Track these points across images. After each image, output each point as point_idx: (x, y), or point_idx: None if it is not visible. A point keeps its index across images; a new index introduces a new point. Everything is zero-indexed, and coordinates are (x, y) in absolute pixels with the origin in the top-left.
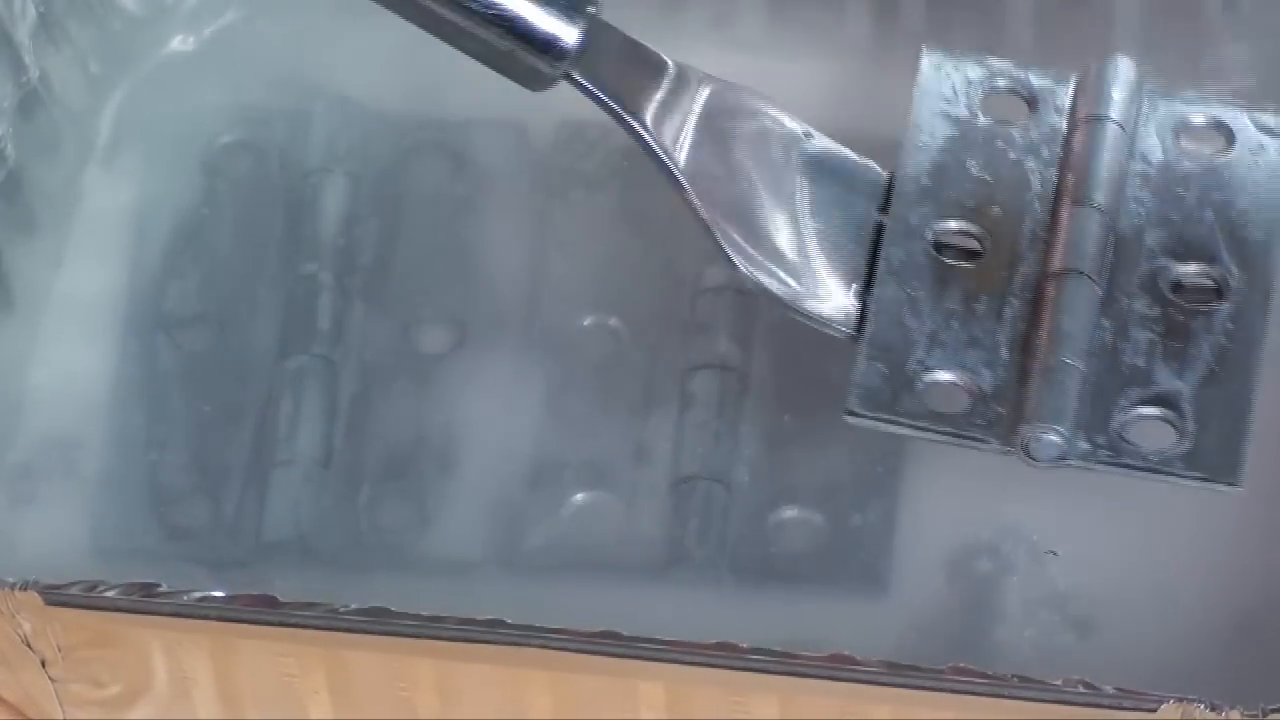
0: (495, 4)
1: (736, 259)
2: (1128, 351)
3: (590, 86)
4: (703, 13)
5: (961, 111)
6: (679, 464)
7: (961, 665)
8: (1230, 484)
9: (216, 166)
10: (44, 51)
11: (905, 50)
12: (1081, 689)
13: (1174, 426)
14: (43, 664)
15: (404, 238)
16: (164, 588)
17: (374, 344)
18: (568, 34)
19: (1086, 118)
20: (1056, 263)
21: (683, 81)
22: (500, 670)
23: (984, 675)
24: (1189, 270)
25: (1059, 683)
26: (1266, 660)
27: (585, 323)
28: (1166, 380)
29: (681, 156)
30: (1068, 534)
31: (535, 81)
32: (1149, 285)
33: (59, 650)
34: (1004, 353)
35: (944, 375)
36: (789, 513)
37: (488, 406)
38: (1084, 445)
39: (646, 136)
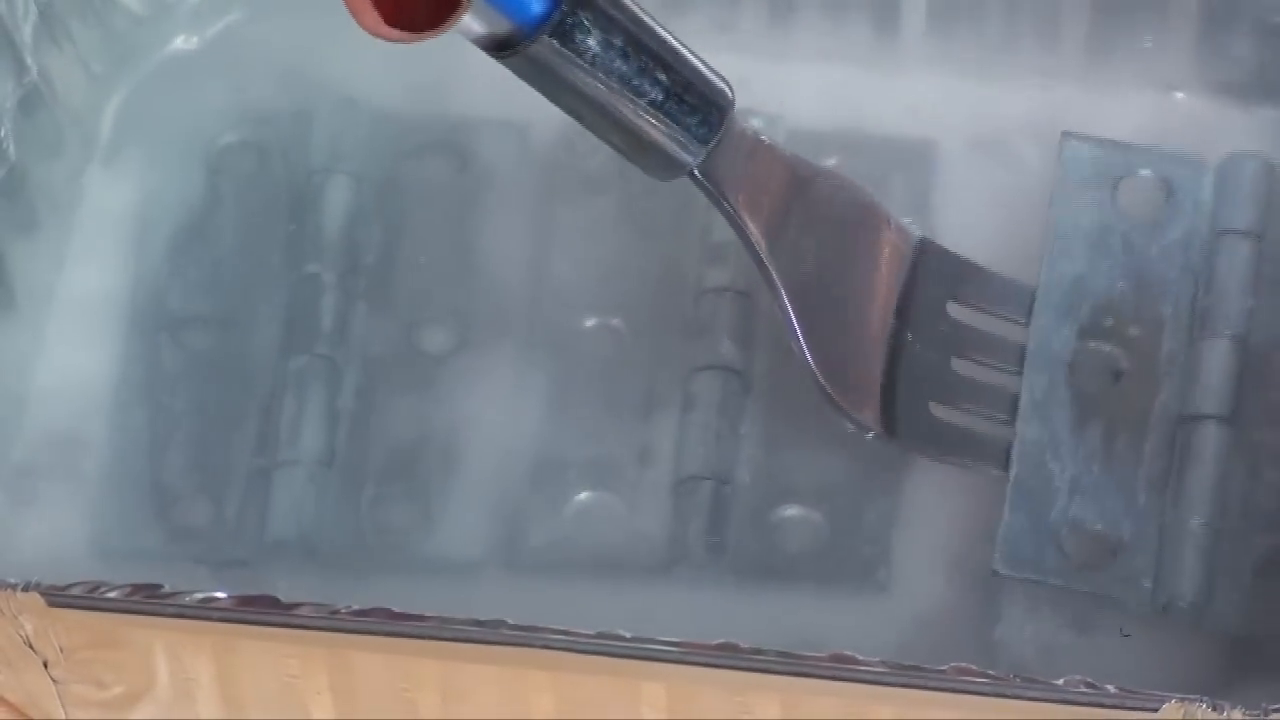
0: (651, 96)
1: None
2: (1258, 493)
3: (711, 187)
4: (705, 17)
5: (1102, 202)
6: (681, 464)
7: (963, 665)
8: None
9: (219, 166)
10: (46, 51)
11: (905, 54)
12: (1084, 688)
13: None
14: (45, 665)
15: (407, 238)
16: (166, 589)
17: (377, 344)
18: (705, 130)
19: (1224, 231)
20: (1193, 405)
21: (801, 185)
22: (502, 671)
23: (986, 675)
24: None
25: (1061, 682)
26: (1268, 660)
27: (588, 323)
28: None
29: (787, 265)
30: None
31: (666, 172)
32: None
33: (61, 651)
34: (1142, 498)
35: (1088, 526)
36: (790, 512)
37: (490, 406)
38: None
39: (759, 247)
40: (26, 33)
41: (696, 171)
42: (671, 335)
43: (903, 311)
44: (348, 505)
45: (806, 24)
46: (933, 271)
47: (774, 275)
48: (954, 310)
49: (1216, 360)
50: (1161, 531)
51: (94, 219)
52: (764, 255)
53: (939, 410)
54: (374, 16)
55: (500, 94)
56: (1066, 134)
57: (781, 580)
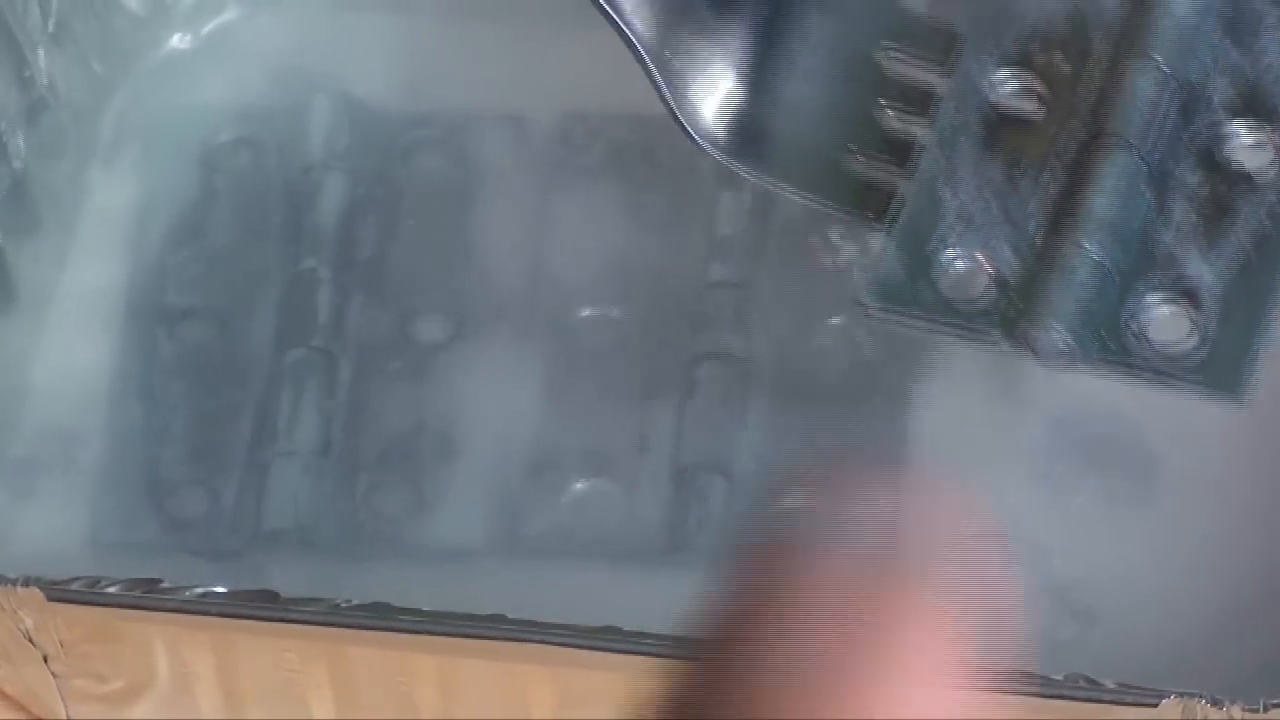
0: None
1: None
2: (1162, 231)
3: None
4: None
5: None
6: (680, 453)
7: None
8: (1235, 399)
9: (215, 163)
10: (49, 51)
11: None
12: (1083, 684)
13: (1192, 323)
14: (45, 659)
15: (403, 230)
16: (166, 584)
17: (372, 336)
18: None
19: None
20: (1102, 126)
21: None
22: (501, 665)
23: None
24: (1243, 131)
25: (1060, 678)
26: (1269, 655)
27: (585, 314)
28: (1195, 267)
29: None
30: (1068, 527)
31: None
32: (1203, 149)
33: (61, 646)
34: (1033, 232)
35: (965, 257)
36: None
37: (486, 396)
38: (1094, 344)
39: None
40: (30, 33)
41: None
42: (670, 325)
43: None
44: (344, 495)
45: None
46: (853, 19)
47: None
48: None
49: (1137, 80)
50: (1047, 266)
51: (95, 217)
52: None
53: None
54: None
55: (496, 87)
56: None
57: None
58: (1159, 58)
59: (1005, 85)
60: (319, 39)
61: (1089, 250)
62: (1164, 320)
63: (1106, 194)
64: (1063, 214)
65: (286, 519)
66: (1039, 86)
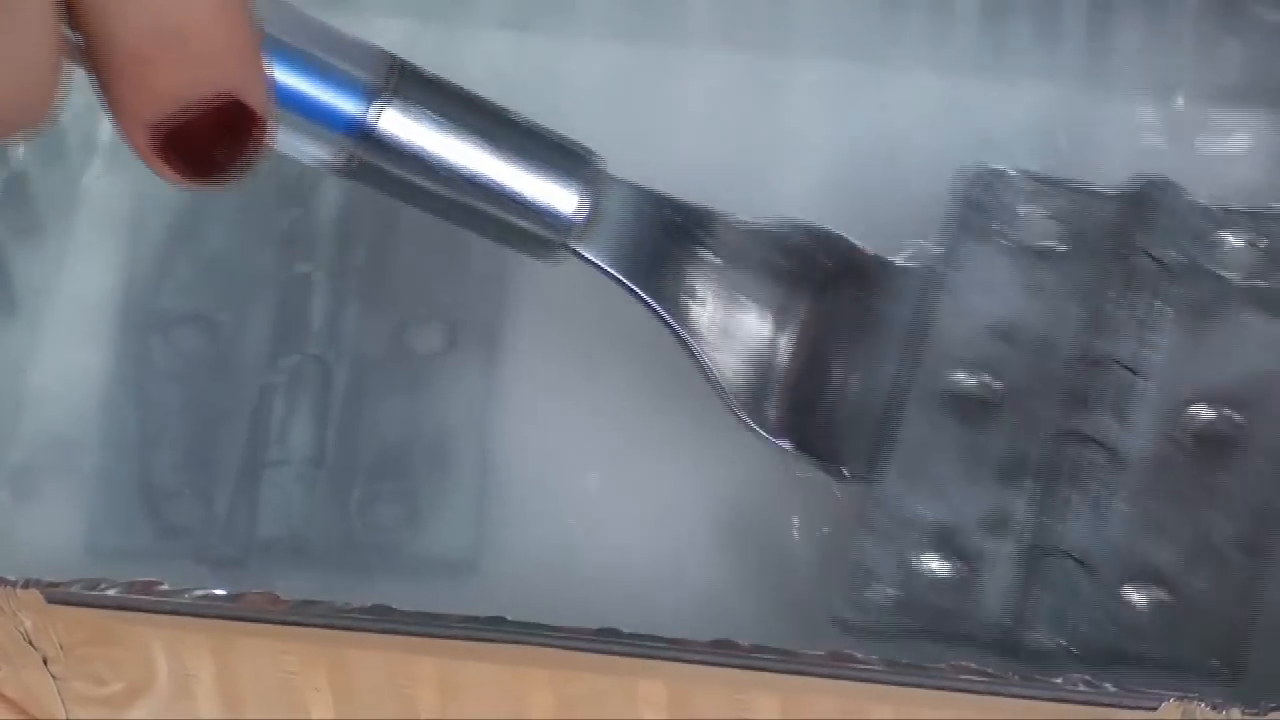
0: (490, 179)
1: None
2: (1136, 521)
3: (593, 259)
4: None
5: (994, 231)
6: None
7: (962, 663)
8: (1228, 679)
9: None
10: None
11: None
12: (1083, 687)
13: (1175, 612)
14: (44, 661)
15: (398, 238)
16: (165, 586)
17: (367, 343)
18: (566, 203)
19: (1128, 249)
20: (1069, 421)
21: (695, 235)
22: (501, 668)
23: (984, 673)
24: (1205, 419)
25: (1059, 680)
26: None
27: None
28: (1170, 555)
29: (693, 318)
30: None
31: (545, 254)
32: (1167, 438)
33: (60, 648)
34: (1009, 535)
35: (945, 569)
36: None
37: (480, 407)
38: (1080, 647)
39: (659, 310)
40: None
41: (576, 245)
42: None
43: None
44: (337, 505)
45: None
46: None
47: (681, 334)
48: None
49: (1104, 381)
50: (1028, 572)
51: (93, 220)
52: (664, 316)
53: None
54: (171, 172)
55: (492, 94)
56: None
57: None
58: (1119, 352)
59: (964, 384)
60: None
61: (1064, 549)
62: (1144, 611)
63: (1075, 490)
64: (1034, 513)
65: (280, 528)
66: (999, 388)
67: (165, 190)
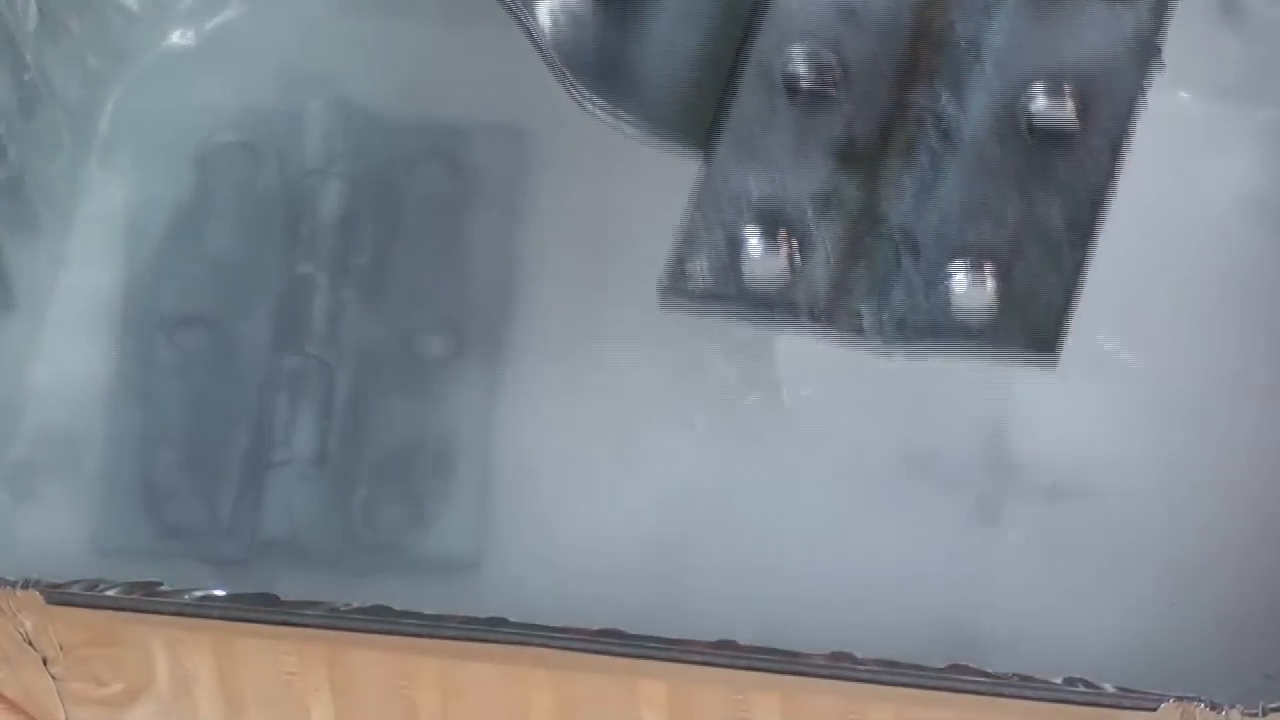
0: None
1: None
2: (965, 200)
3: None
4: None
5: None
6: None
7: (961, 664)
8: (1048, 356)
9: (213, 165)
10: (44, 48)
11: None
12: (1082, 687)
13: (998, 290)
14: (44, 662)
15: (400, 238)
16: (165, 586)
17: (369, 344)
18: None
19: None
20: (903, 100)
21: None
22: (502, 669)
23: (984, 674)
24: (1040, 93)
25: (1059, 681)
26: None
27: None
28: (997, 236)
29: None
30: None
31: None
32: (1002, 121)
33: (60, 648)
34: (833, 212)
35: (767, 243)
36: None
37: (482, 407)
38: (898, 322)
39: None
40: (26, 29)
41: None
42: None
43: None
44: (339, 505)
45: None
46: None
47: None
48: None
49: (938, 54)
50: (851, 245)
51: (91, 217)
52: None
53: None
54: None
55: (495, 98)
56: None
57: None
58: (959, 30)
59: (802, 62)
60: (320, 40)
61: (892, 227)
62: (969, 287)
63: (908, 170)
64: (866, 186)
65: (282, 529)
66: (837, 63)
67: (167, 190)
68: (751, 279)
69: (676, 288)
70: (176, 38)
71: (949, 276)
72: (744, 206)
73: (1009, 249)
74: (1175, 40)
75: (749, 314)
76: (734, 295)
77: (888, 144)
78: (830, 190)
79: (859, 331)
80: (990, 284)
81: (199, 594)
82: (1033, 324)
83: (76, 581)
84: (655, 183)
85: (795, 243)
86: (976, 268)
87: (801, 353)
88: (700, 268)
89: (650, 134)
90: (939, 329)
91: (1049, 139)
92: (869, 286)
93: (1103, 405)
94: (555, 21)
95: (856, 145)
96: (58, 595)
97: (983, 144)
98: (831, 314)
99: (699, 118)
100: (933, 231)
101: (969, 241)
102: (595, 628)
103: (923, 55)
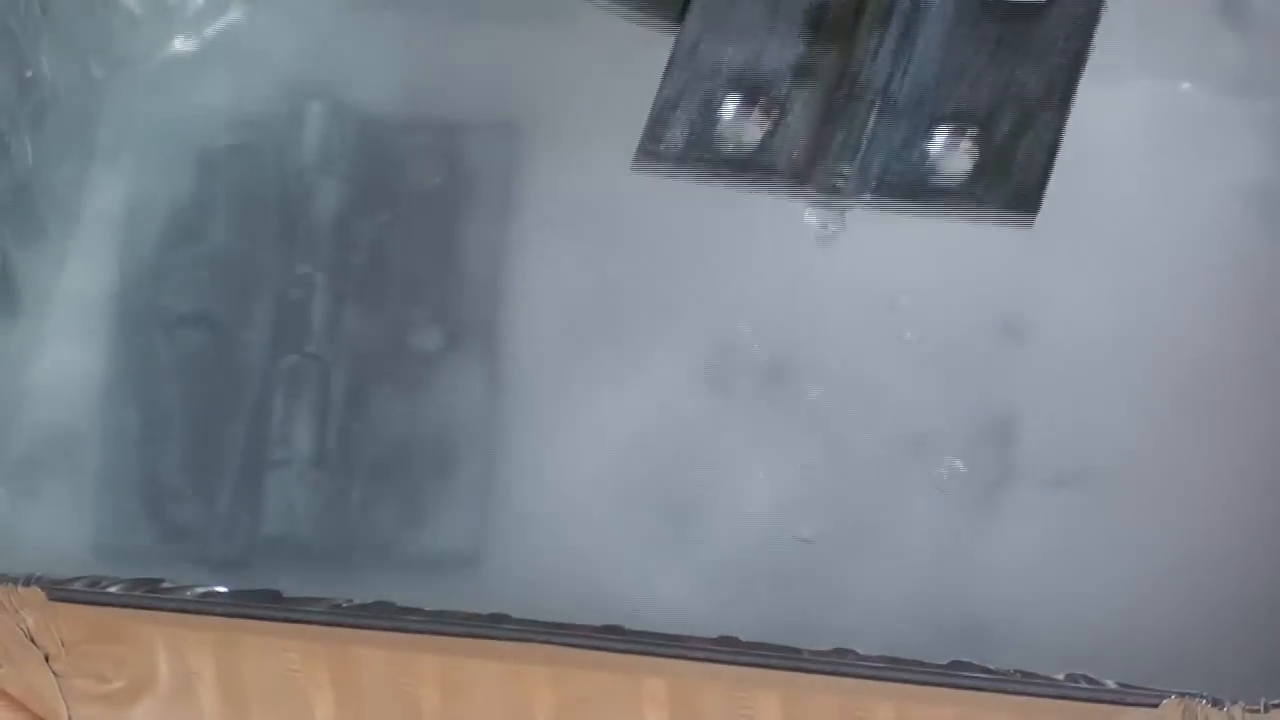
0: None
1: None
2: (942, 66)
3: None
4: None
5: None
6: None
7: (963, 660)
8: (1027, 215)
9: (213, 166)
10: (48, 52)
11: None
12: (1084, 684)
13: (978, 152)
14: (47, 659)
15: (398, 238)
16: (167, 583)
17: (366, 343)
18: None
19: None
20: None
21: None
22: (504, 666)
23: (986, 670)
24: None
25: (1061, 677)
26: (1269, 654)
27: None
28: (974, 101)
29: None
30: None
31: None
32: None
33: (62, 645)
34: (811, 72)
35: (742, 108)
36: None
37: (479, 406)
38: (877, 182)
39: None
40: (30, 33)
41: None
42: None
43: None
44: (339, 503)
45: None
46: None
47: None
48: None
49: None
50: (826, 107)
51: (95, 219)
52: None
53: None
54: None
55: (491, 97)
56: None
57: None
58: None
59: None
60: (321, 43)
61: (869, 88)
62: (947, 149)
63: (883, 32)
64: (841, 53)
65: (281, 527)
66: None
67: (167, 190)
68: (727, 142)
69: (652, 151)
70: (179, 43)
71: (928, 139)
72: (720, 74)
73: (986, 113)
74: (1177, 32)
75: (724, 175)
76: (709, 158)
77: (861, 13)
78: (805, 58)
79: (835, 191)
80: (969, 145)
81: (201, 591)
82: (1012, 184)
83: (79, 578)
84: (654, 180)
85: (771, 107)
86: (955, 131)
87: (804, 346)
88: (676, 133)
89: (622, 4)
90: (917, 189)
91: (1021, 7)
92: (846, 147)
93: (1105, 398)
94: None
95: (829, 14)
96: (60, 592)
97: (955, 12)
98: (809, 173)
99: None
100: (909, 97)
101: (946, 108)
102: (597, 624)
103: None
